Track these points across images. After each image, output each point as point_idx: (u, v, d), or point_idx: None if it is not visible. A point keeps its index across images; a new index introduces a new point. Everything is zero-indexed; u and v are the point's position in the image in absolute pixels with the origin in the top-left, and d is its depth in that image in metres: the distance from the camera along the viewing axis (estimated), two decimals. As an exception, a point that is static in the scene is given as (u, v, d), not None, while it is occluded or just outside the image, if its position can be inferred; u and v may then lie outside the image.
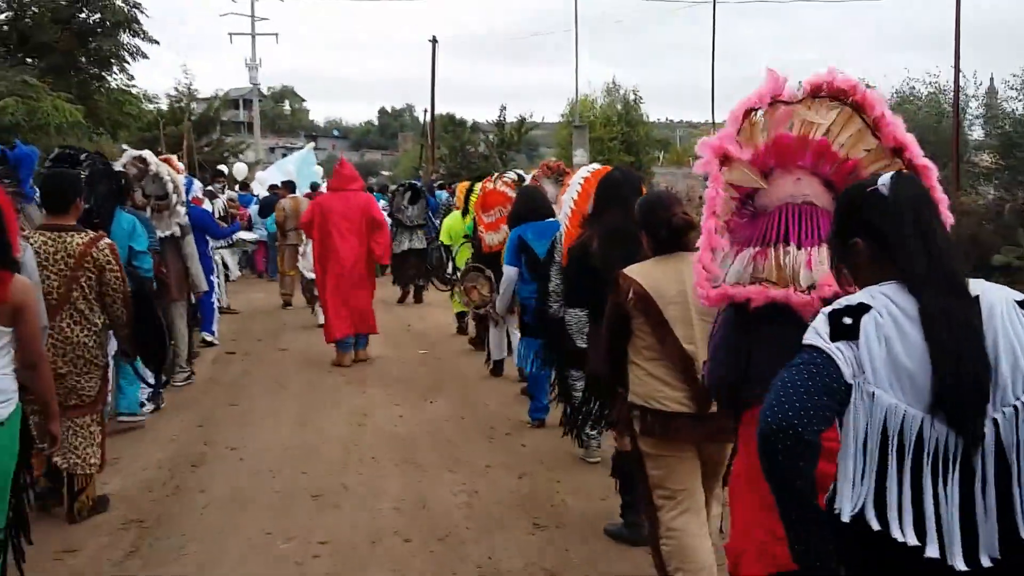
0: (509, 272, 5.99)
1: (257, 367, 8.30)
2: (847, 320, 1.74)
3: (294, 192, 13.03)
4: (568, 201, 4.95)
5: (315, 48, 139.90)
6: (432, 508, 4.78)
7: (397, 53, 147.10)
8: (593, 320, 4.22)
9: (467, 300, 7.81)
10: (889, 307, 1.73)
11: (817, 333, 1.75)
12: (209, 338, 9.18)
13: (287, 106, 74.66)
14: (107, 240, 4.45)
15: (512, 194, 7.29)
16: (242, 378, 7.87)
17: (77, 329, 4.30)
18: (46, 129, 8.03)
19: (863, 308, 1.74)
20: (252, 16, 37.83)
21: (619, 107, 35.71)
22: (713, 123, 24.40)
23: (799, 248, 2.51)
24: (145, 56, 10.69)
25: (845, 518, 1.70)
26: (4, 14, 9.63)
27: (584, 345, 4.67)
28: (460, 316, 9.79)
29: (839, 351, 1.71)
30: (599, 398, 4.59)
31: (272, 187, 15.33)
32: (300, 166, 17.91)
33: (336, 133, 78.79)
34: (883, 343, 1.70)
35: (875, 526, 1.68)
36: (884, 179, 1.86)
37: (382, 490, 5.04)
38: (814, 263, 2.48)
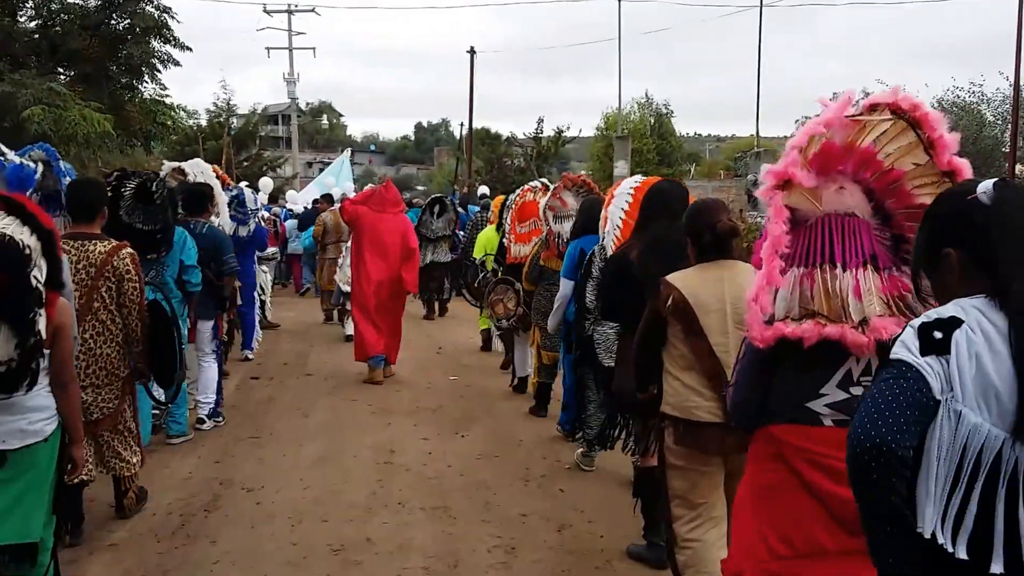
0: (566, 286, 5.63)
1: (281, 393, 7.82)
2: (937, 334, 1.65)
3: (333, 205, 12.64)
4: (618, 212, 4.72)
5: (352, 64, 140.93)
6: (465, 566, 4.24)
7: (433, 69, 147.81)
8: (624, 335, 3.96)
9: (491, 313, 7.59)
10: (981, 322, 1.64)
11: (906, 347, 1.66)
12: (250, 355, 9.14)
13: (324, 120, 74.90)
14: (129, 250, 4.31)
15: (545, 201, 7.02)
16: (265, 405, 7.39)
17: (100, 340, 4.21)
18: (74, 139, 7.64)
19: (955, 322, 1.64)
20: (289, 31, 37.74)
21: (651, 120, 35.34)
22: (757, 135, 23.65)
23: (844, 270, 2.40)
24: (177, 63, 10.27)
25: (927, 534, 1.61)
26: (34, 22, 9.28)
27: (611, 363, 4.54)
28: (486, 332, 9.34)
29: (929, 366, 1.63)
30: (617, 412, 4.51)
31: (315, 201, 15.13)
32: (339, 176, 17.76)
33: (373, 148, 78.91)
34: (974, 359, 1.62)
35: (950, 548, 1.60)
36: (985, 187, 1.75)
37: (409, 544, 4.50)
38: (863, 290, 2.37)
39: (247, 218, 8.51)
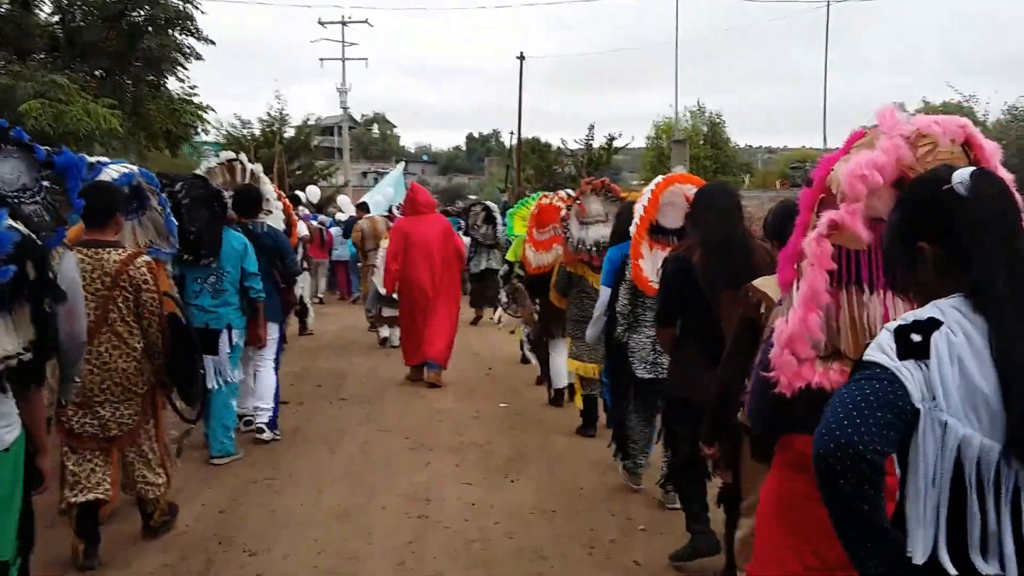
0: (605, 293, 5.17)
1: (309, 424, 6.75)
2: (915, 337, 1.49)
3: (368, 212, 12.73)
4: (638, 210, 4.62)
5: (405, 77, 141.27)
6: None
7: (484, 82, 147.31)
8: (682, 342, 3.84)
9: (523, 322, 7.44)
10: (962, 323, 1.49)
11: (882, 350, 1.51)
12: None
13: (375, 130, 74.64)
14: (145, 257, 4.02)
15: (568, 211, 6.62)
16: (289, 438, 6.33)
17: (116, 354, 3.91)
18: (75, 136, 6.72)
19: (933, 324, 1.50)
20: (343, 42, 37.32)
21: (705, 129, 34.11)
22: (825, 142, 22.19)
23: (872, 292, 2.22)
24: (199, 57, 9.31)
25: (918, 561, 1.46)
26: (55, 16, 8.42)
27: (646, 375, 4.53)
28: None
29: (907, 370, 1.47)
30: (675, 425, 4.04)
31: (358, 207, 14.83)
32: (396, 187, 17.28)
33: (426, 158, 78.55)
34: (956, 364, 1.46)
35: (952, 571, 1.44)
36: (961, 175, 1.58)
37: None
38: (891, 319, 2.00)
39: None
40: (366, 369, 8.98)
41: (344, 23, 37.26)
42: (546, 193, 7.49)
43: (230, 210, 5.76)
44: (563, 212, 6.31)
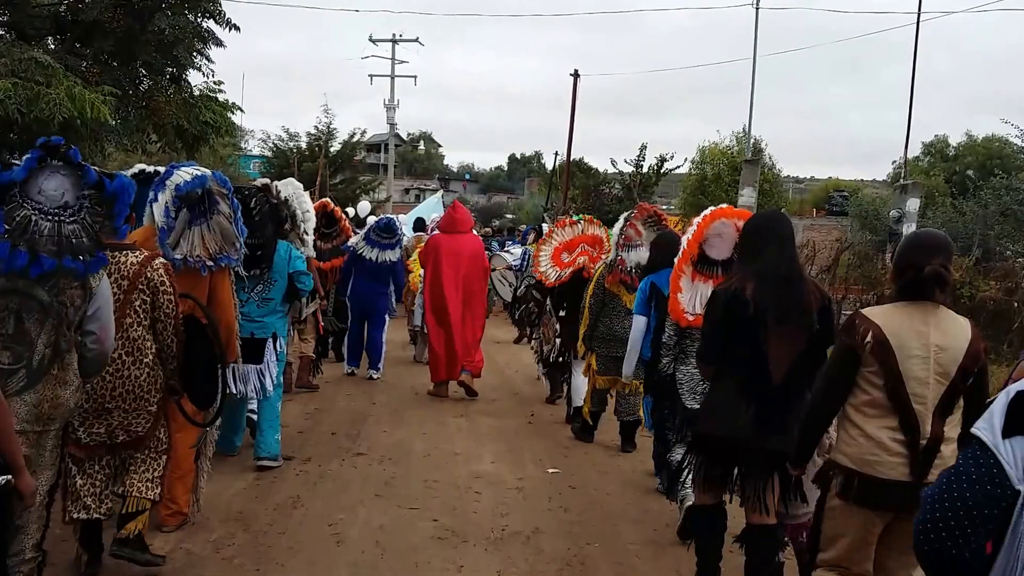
0: (638, 322, 5.22)
1: (313, 492, 5.19)
2: None
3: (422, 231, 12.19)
4: (683, 242, 4.47)
5: (451, 99, 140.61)
6: None
7: (529, 106, 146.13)
8: (722, 377, 3.43)
9: (540, 341, 7.48)
10: None
11: (990, 423, 1.48)
12: (374, 375, 8.78)
13: (421, 146, 73.59)
14: (162, 260, 3.75)
15: (598, 232, 7.09)
16: (284, 513, 4.79)
17: (129, 361, 3.59)
18: (47, 124, 5.30)
19: None
20: (392, 59, 36.32)
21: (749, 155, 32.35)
22: (905, 166, 20.30)
23: None
24: (220, 43, 7.83)
25: None
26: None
27: (696, 406, 4.09)
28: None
29: (1008, 451, 1.44)
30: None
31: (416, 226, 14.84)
32: (437, 210, 16.28)
33: (467, 177, 77.46)
34: None
35: None
36: None
37: None
38: None
39: (391, 246, 8.42)
40: (390, 412, 7.43)
41: (395, 41, 36.25)
42: (574, 219, 7.50)
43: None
44: (615, 228, 6.28)
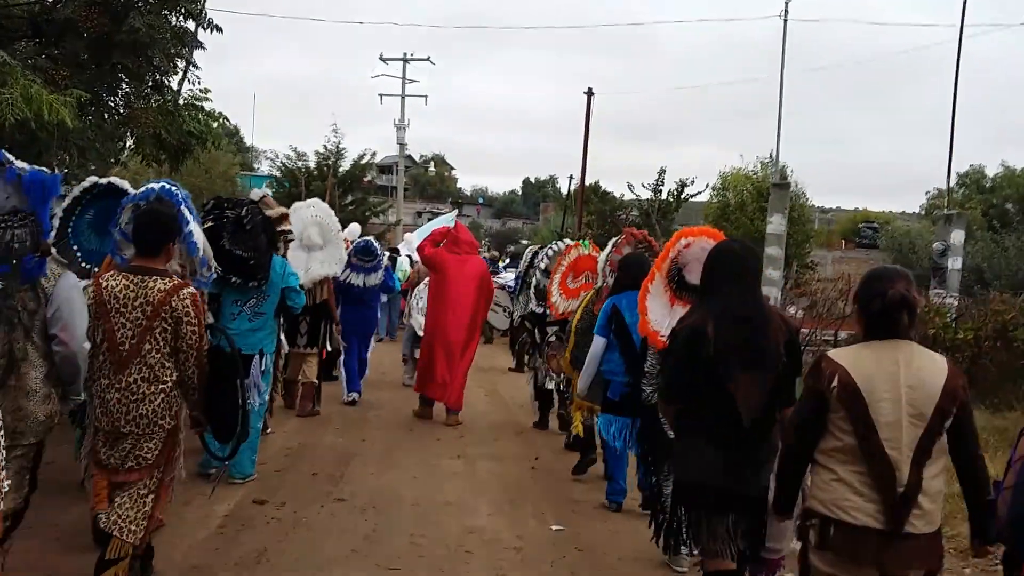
0: (597, 343, 5.25)
1: (283, 543, 4.61)
2: None
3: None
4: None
5: (463, 122, 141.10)
6: None
7: (543, 129, 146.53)
8: (688, 419, 3.34)
9: (545, 370, 7.46)
10: None
11: None
12: (352, 399, 8.60)
13: (432, 168, 73.50)
14: (190, 289, 3.66)
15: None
16: (248, 566, 4.24)
17: (145, 386, 3.55)
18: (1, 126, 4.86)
19: None
20: (403, 78, 36.22)
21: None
22: (948, 194, 19.71)
23: None
24: (201, 45, 7.38)
25: None
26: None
27: None
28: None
29: None
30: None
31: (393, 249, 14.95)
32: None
33: (481, 200, 77.25)
34: None
35: None
36: None
37: None
38: None
39: (373, 269, 8.49)
40: (380, 451, 6.88)
41: (406, 60, 36.16)
42: (577, 242, 7.62)
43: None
44: (602, 256, 6.25)
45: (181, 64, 7.13)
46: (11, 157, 3.25)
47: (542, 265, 7.69)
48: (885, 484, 2.61)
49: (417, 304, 9.55)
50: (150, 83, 7.11)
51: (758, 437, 3.20)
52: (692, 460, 3.31)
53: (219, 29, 6.84)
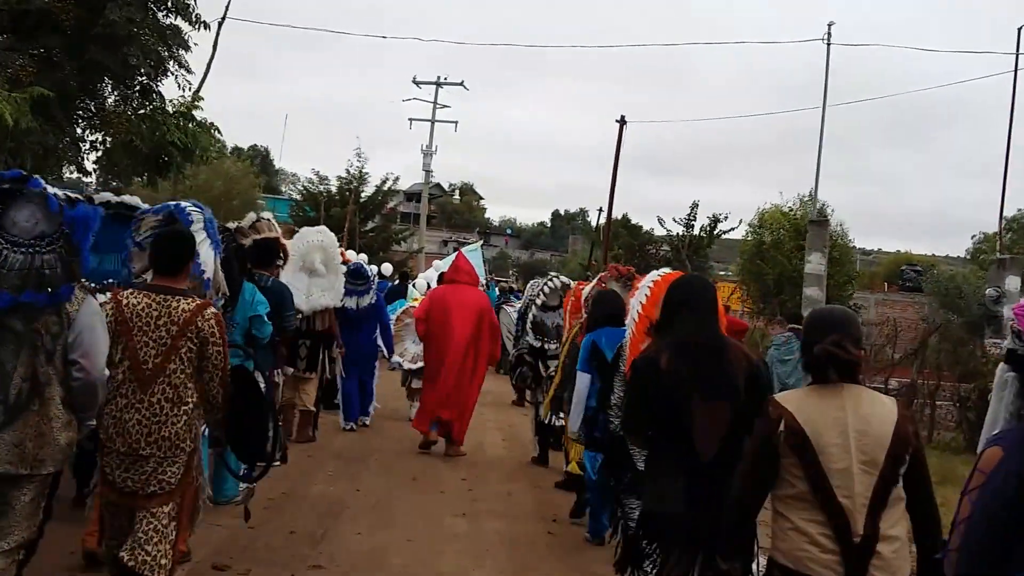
0: (581, 379, 5.16)
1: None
2: None
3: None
4: (635, 306, 4.40)
5: (493, 153, 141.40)
6: None
7: (575, 161, 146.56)
8: (656, 451, 3.35)
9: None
10: None
11: None
12: (350, 427, 8.72)
13: (457, 195, 73.22)
14: (213, 309, 3.69)
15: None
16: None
17: (168, 407, 3.52)
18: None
19: None
20: (434, 103, 35.89)
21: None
22: (1000, 237, 18.70)
23: None
24: (185, 45, 6.81)
25: None
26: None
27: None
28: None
29: None
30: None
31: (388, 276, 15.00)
32: (474, 261, 15.62)
33: (509, 231, 76.90)
34: None
35: None
36: None
37: None
38: None
39: (365, 291, 8.57)
40: (373, 503, 6.14)
41: (439, 84, 35.90)
42: (584, 280, 7.81)
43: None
44: (584, 291, 6.28)
45: (173, 67, 6.54)
46: (45, 184, 3.27)
47: (538, 300, 7.87)
48: (841, 534, 2.53)
49: (409, 336, 9.43)
50: (137, 87, 6.53)
51: (721, 469, 3.08)
52: (656, 491, 3.29)
53: (207, 26, 6.27)
